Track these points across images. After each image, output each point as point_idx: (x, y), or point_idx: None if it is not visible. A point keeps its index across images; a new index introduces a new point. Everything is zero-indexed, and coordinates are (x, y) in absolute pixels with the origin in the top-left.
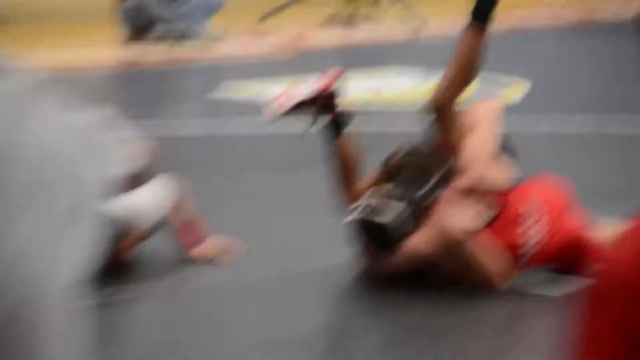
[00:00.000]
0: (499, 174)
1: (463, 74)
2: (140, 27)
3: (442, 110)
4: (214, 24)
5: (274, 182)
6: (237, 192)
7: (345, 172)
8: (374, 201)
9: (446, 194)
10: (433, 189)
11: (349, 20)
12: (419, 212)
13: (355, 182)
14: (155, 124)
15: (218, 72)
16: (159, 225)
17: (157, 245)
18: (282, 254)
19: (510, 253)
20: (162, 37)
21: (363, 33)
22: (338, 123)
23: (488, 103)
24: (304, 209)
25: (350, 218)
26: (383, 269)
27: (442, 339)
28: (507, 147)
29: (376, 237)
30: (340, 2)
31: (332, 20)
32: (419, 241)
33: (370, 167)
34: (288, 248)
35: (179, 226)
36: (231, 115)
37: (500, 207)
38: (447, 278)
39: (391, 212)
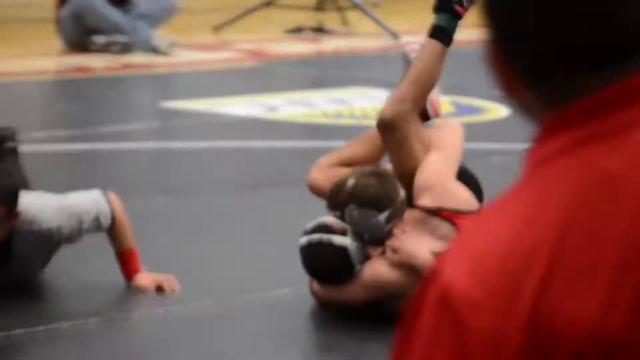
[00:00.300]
0: (460, 197)
1: (416, 87)
2: (77, 37)
3: (391, 127)
4: (162, 35)
5: (227, 202)
6: (185, 213)
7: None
8: (330, 220)
9: (404, 221)
10: (390, 218)
11: (316, 32)
12: (375, 241)
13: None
14: (97, 136)
15: (167, 86)
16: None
17: (91, 272)
18: (227, 282)
19: None
20: (103, 49)
21: (331, 44)
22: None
23: (451, 123)
24: (257, 231)
25: (305, 240)
26: (339, 299)
27: None
28: (465, 178)
29: (333, 262)
30: (304, 15)
31: (295, 32)
32: (381, 268)
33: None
34: (235, 276)
35: (118, 253)
36: (185, 127)
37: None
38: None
39: (351, 234)
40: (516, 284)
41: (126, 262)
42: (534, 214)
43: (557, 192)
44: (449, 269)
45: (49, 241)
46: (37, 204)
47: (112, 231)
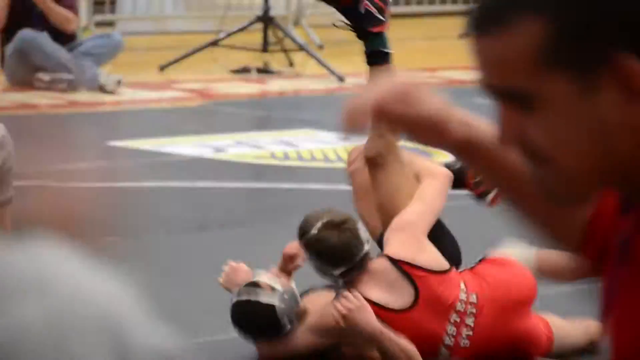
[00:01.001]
0: (430, 252)
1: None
2: (22, 74)
3: (375, 163)
4: (108, 73)
5: (174, 242)
6: (131, 254)
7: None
8: (261, 278)
9: (368, 271)
10: (345, 273)
11: (261, 73)
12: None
13: None
14: (42, 175)
15: (113, 125)
16: None
17: None
18: (174, 324)
19: (430, 344)
20: (48, 87)
21: (277, 85)
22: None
23: (441, 172)
24: (205, 272)
25: (234, 299)
26: (284, 350)
27: None
28: (442, 232)
29: (260, 320)
30: (249, 55)
31: (241, 73)
32: (327, 314)
33: (289, 224)
34: (181, 317)
35: None
36: (132, 167)
37: (426, 293)
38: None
39: (280, 292)
40: None
41: None
42: None
43: None
44: None
45: None
46: None
47: None
